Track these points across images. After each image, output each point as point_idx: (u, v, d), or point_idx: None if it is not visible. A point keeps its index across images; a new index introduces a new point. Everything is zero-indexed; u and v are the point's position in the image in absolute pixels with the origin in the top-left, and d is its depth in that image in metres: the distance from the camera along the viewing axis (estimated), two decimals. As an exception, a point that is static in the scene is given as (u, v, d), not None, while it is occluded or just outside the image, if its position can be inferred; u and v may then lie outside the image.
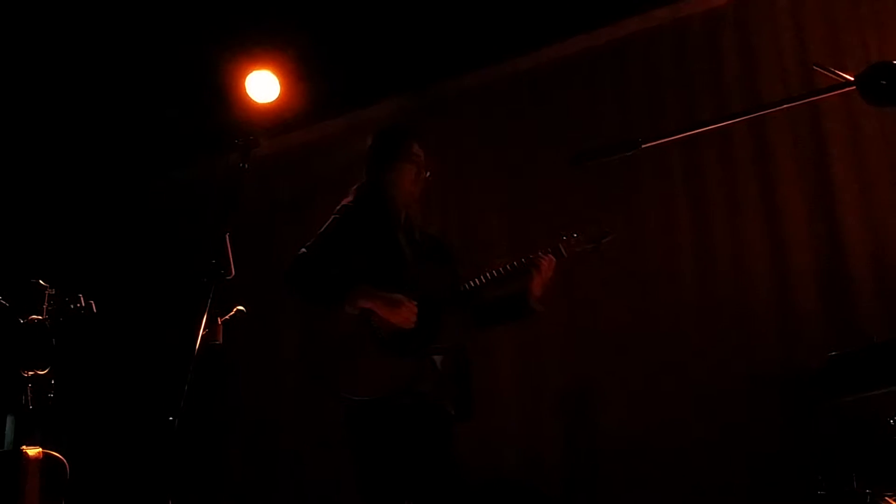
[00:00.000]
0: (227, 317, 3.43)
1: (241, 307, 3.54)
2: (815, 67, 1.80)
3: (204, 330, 3.02)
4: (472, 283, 3.37)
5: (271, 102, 5.54)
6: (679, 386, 4.57)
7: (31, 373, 3.42)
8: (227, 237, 3.10)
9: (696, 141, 4.81)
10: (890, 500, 2.79)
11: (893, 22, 4.47)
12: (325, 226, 3.38)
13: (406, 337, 3.22)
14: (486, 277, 3.37)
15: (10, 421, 3.40)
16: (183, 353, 2.97)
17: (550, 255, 3.39)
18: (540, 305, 3.42)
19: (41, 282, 3.55)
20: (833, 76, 1.61)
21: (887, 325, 3.98)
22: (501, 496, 4.65)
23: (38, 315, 3.48)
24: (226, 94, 5.52)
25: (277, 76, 5.44)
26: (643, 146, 1.77)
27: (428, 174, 3.49)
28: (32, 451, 3.31)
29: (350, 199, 3.45)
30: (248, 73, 5.45)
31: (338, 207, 3.44)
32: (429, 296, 3.29)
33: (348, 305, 3.22)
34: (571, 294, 4.90)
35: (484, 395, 5.13)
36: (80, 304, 3.57)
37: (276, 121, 5.71)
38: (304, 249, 3.33)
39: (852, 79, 1.56)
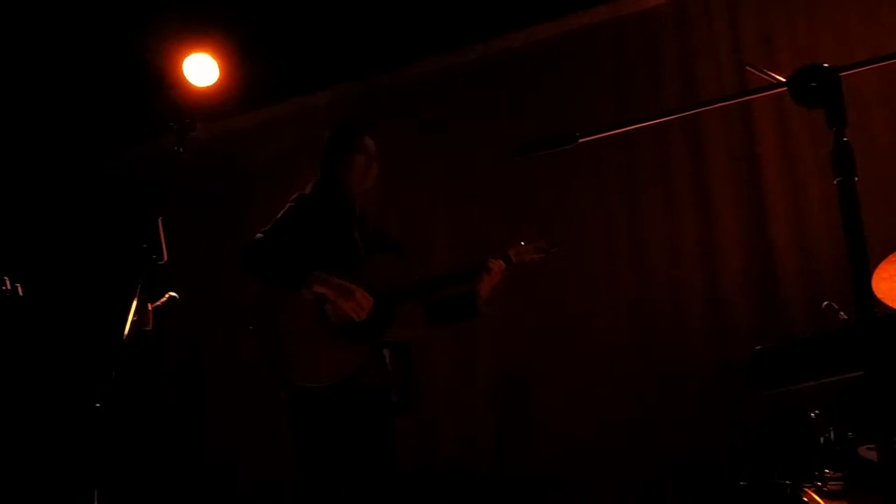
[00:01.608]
0: (158, 303, 3.37)
1: (173, 293, 3.49)
2: (748, 68, 1.84)
3: (134, 315, 2.98)
4: (424, 280, 3.43)
5: (210, 86, 5.45)
6: (610, 377, 4.65)
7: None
8: (161, 221, 3.06)
9: (632, 138, 4.88)
10: (809, 491, 2.87)
11: (824, 25, 4.59)
12: (281, 213, 3.42)
13: (357, 327, 3.25)
14: (438, 275, 3.46)
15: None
16: (112, 339, 2.92)
17: (501, 261, 3.48)
18: (486, 307, 3.50)
19: (-35, 263, 3.45)
20: (766, 77, 1.64)
21: (811, 323, 4.11)
22: (437, 482, 4.69)
23: (-40, 298, 3.39)
24: (163, 77, 5.42)
25: (217, 60, 5.35)
26: (580, 140, 1.79)
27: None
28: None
29: (306, 190, 3.50)
30: (185, 56, 5.35)
31: (294, 196, 3.49)
32: (381, 289, 3.32)
33: (305, 289, 3.24)
34: (508, 286, 4.93)
35: (421, 384, 5.20)
36: (6, 286, 3.48)
37: (215, 105, 5.63)
38: (260, 234, 3.35)
39: (784, 80, 1.60)
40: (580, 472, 4.59)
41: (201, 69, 5.35)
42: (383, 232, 3.65)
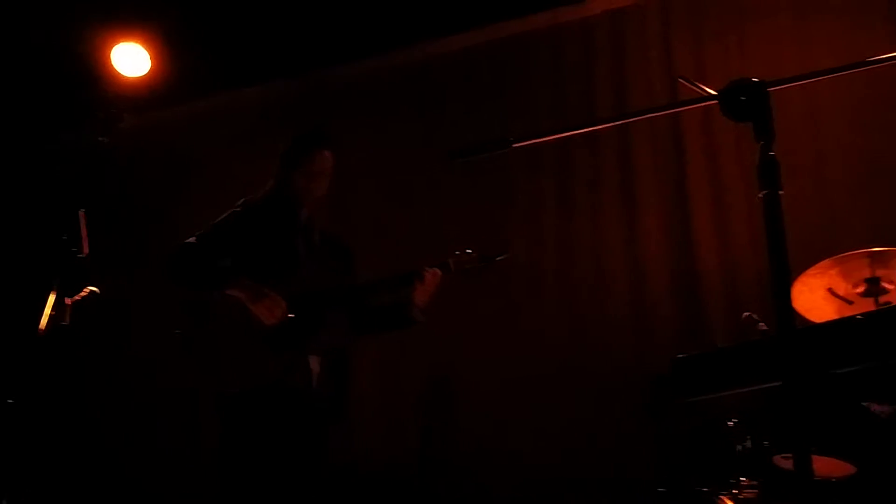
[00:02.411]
0: (77, 297, 3.29)
1: (93, 288, 3.40)
2: (680, 80, 1.87)
3: (51, 310, 2.90)
4: (353, 287, 3.44)
5: (141, 77, 5.32)
6: (534, 384, 4.67)
7: None
8: (83, 214, 2.98)
9: (565, 146, 4.96)
10: (724, 499, 2.93)
11: (755, 41, 4.70)
12: (221, 218, 3.42)
13: (284, 333, 3.24)
14: (369, 283, 3.47)
15: None
16: (28, 334, 2.84)
17: (437, 269, 3.46)
18: (422, 316, 3.48)
19: None
20: (696, 90, 1.67)
21: (732, 332, 4.20)
22: (359, 486, 4.66)
23: None
24: (91, 66, 5.27)
25: (148, 50, 5.23)
26: (514, 145, 1.79)
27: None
28: None
29: (256, 196, 3.51)
30: (115, 45, 5.21)
31: (240, 202, 3.49)
32: (314, 295, 3.31)
33: (220, 291, 3.25)
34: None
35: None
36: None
37: (146, 96, 5.50)
38: (192, 238, 3.36)
39: (714, 93, 1.63)
40: (502, 478, 4.60)
41: (131, 59, 5.22)
42: (334, 240, 3.64)
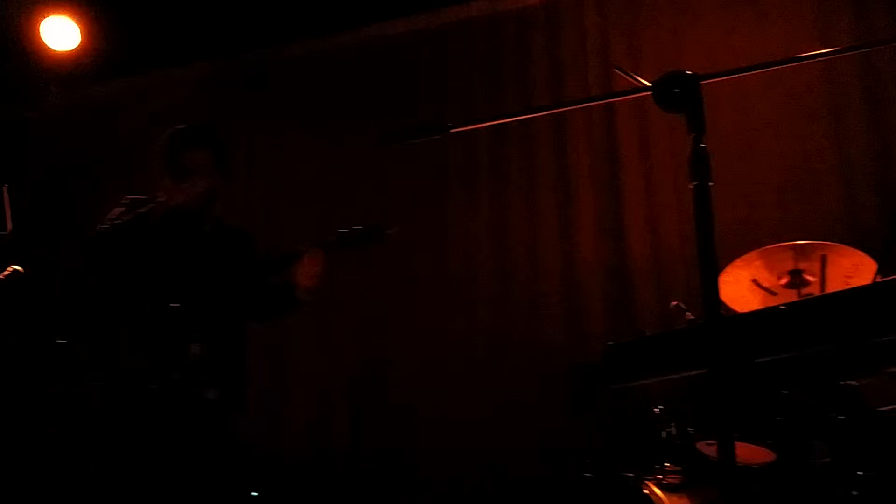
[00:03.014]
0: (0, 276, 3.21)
1: (17, 267, 3.32)
2: (615, 70, 1.89)
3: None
4: (234, 270, 3.38)
5: (70, 51, 5.18)
6: (466, 369, 4.71)
7: None
8: (6, 189, 2.90)
9: (502, 134, 4.98)
10: (649, 483, 2.99)
11: (690, 33, 4.78)
12: (113, 211, 3.37)
13: (164, 323, 3.20)
14: (248, 265, 3.41)
15: None
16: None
17: (318, 248, 3.36)
18: (307, 297, 3.38)
19: None
20: (631, 80, 1.69)
21: (660, 320, 4.29)
22: (289, 469, 4.65)
23: None
24: (18, 39, 5.10)
25: (78, 23, 5.09)
26: (452, 131, 1.79)
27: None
28: None
29: (142, 193, 3.44)
30: (44, 18, 5.06)
31: (123, 199, 3.43)
32: (198, 283, 3.28)
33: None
34: (366, 276, 4.96)
35: (276, 376, 5.13)
36: None
37: (75, 71, 5.36)
38: (94, 232, 3.31)
39: (649, 84, 1.65)
40: (431, 462, 4.63)
41: (61, 32, 5.08)
42: (227, 228, 3.57)
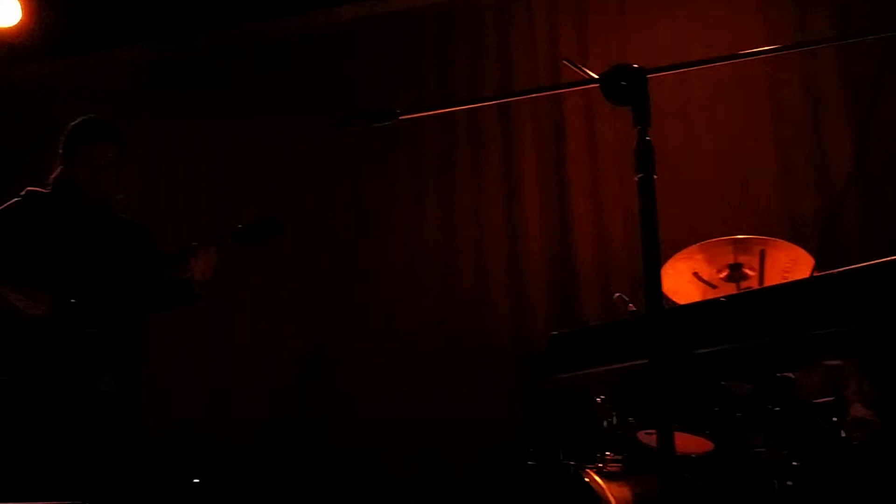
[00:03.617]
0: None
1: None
2: (564, 62, 1.90)
3: None
4: (132, 264, 3.44)
5: (10, 27, 5.05)
6: (413, 356, 4.72)
7: None
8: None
9: (450, 123, 4.98)
10: (590, 472, 3.03)
11: (636, 26, 4.82)
12: (3, 206, 3.39)
13: (64, 318, 3.23)
14: (145, 260, 3.48)
15: None
16: None
17: (213, 245, 3.43)
18: (203, 291, 3.46)
19: None
20: (580, 72, 1.70)
21: (604, 311, 4.34)
22: (236, 456, 4.63)
23: None
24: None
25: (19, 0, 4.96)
26: (400, 118, 1.78)
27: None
28: None
29: (41, 185, 3.45)
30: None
31: (24, 191, 3.43)
32: (97, 277, 3.32)
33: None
34: (308, 262, 4.94)
35: (220, 361, 5.08)
36: None
37: (15, 49, 5.22)
38: None
39: (596, 77, 1.66)
40: (376, 449, 4.63)
41: (1, 8, 4.95)
42: (127, 222, 3.60)
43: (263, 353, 5.05)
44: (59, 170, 3.44)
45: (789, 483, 2.42)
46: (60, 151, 3.44)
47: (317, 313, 4.94)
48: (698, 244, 3.44)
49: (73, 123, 3.46)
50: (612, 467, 3.11)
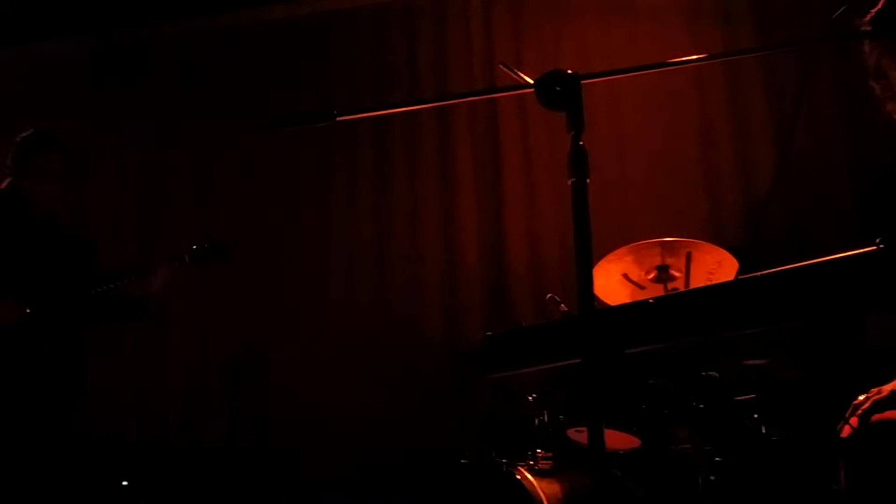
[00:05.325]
0: None
1: None
2: (500, 66, 1.93)
3: None
4: (89, 278, 3.53)
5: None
6: (346, 354, 4.71)
7: None
8: None
9: (386, 126, 4.99)
10: (522, 469, 3.07)
11: (570, 32, 4.90)
12: None
13: (22, 327, 3.30)
14: (102, 275, 3.56)
15: None
16: None
17: (171, 262, 3.63)
18: (156, 306, 3.64)
19: None
20: (515, 77, 1.73)
21: (536, 312, 4.40)
22: (165, 454, 4.57)
23: None
24: None
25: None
26: (338, 118, 1.79)
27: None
28: None
29: None
30: None
31: None
32: (50, 289, 3.40)
33: None
34: (242, 262, 4.90)
35: (153, 362, 5.01)
36: None
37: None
38: None
39: (531, 81, 1.69)
40: (310, 447, 4.61)
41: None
42: (74, 237, 3.70)
43: (196, 353, 4.99)
44: (6, 181, 3.52)
45: (712, 478, 2.49)
46: (9, 162, 3.51)
47: (250, 313, 4.90)
48: (627, 246, 3.51)
49: (21, 135, 3.55)
50: (543, 464, 3.16)
